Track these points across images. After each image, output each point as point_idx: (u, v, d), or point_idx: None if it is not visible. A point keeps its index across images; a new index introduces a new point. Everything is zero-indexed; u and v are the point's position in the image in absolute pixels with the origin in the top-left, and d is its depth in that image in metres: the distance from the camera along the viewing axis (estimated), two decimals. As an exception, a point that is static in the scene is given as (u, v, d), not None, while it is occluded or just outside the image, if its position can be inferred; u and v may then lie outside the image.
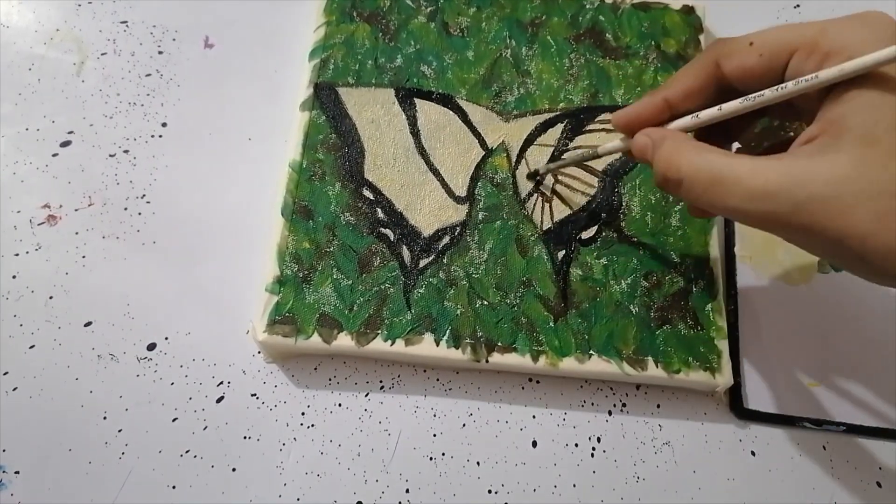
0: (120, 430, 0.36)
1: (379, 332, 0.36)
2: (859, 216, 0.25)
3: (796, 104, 0.29)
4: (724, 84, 0.30)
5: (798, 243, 0.28)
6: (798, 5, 0.51)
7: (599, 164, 0.41)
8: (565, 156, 0.41)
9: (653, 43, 0.45)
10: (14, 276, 0.39)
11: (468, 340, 0.36)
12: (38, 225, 0.40)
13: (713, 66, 0.30)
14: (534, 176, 0.41)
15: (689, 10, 0.46)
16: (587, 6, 0.46)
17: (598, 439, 0.37)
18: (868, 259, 0.26)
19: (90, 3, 0.47)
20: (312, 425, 0.37)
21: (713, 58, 0.30)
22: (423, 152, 0.41)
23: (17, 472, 0.35)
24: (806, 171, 0.26)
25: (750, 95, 0.29)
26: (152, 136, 0.43)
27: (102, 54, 0.45)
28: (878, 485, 0.37)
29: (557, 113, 0.43)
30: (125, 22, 0.46)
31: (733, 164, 0.27)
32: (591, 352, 0.37)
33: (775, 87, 0.28)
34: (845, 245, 0.26)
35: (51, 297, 0.38)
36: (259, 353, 0.38)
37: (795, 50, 0.27)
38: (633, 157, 0.32)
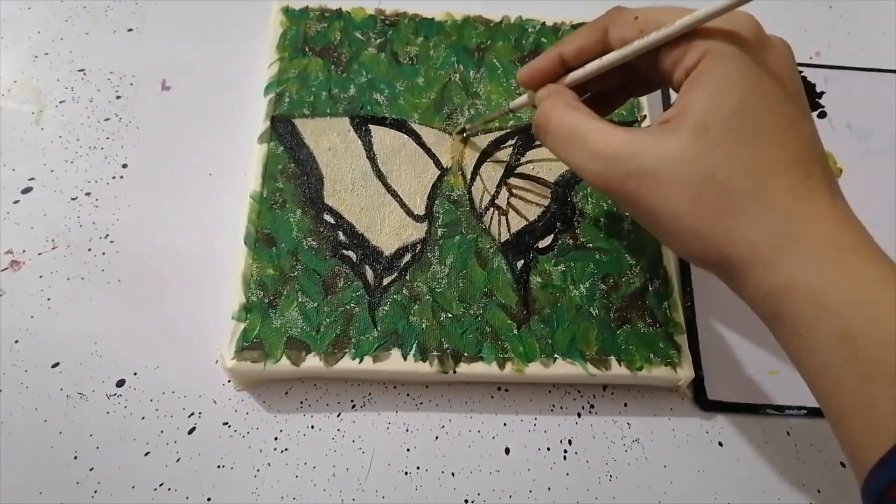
0: (91, 469, 0.36)
1: (347, 350, 0.37)
2: (676, 196, 0.27)
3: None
4: (609, 49, 0.31)
5: (628, 211, 0.30)
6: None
7: (552, 176, 0.43)
8: (486, 114, 0.44)
9: (594, 60, 0.47)
10: (-22, 324, 0.39)
11: (435, 353, 0.37)
12: (2, 271, 0.40)
13: (602, 32, 0.31)
14: (462, 132, 0.44)
15: (626, 28, 0.49)
16: (529, 30, 0.48)
17: (570, 442, 0.38)
18: (678, 236, 0.28)
19: (47, 54, 0.48)
20: (286, 449, 0.37)
21: (604, 23, 0.31)
22: (380, 175, 0.42)
23: (-14, 520, 0.34)
24: (644, 145, 0.27)
25: (623, 48, 0.30)
26: (113, 178, 0.44)
27: (61, 102, 0.46)
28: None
29: (508, 130, 0.44)
30: (82, 70, 0.47)
31: (589, 123, 0.29)
32: (556, 355, 0.37)
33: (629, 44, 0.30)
34: (661, 220, 0.28)
35: (16, 342, 0.38)
36: (229, 381, 0.38)
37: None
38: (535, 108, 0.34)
